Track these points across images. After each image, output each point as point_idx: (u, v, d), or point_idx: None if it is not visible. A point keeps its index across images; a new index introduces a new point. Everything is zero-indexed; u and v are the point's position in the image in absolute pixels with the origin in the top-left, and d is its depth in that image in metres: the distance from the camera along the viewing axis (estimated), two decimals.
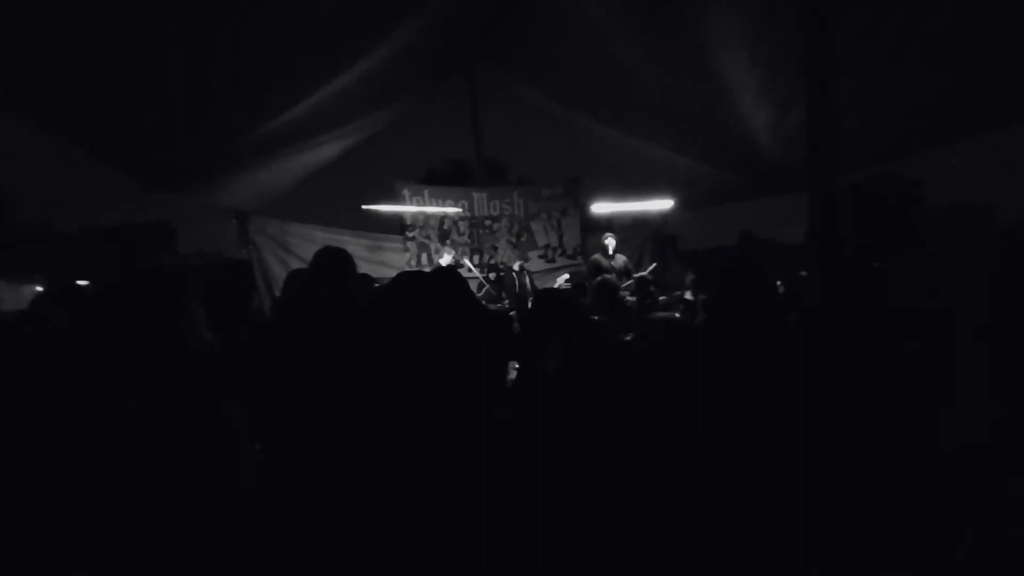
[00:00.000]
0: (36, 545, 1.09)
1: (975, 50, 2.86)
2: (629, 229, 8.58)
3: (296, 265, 6.33)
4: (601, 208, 7.90)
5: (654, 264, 6.75)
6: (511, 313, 6.03)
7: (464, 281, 1.24)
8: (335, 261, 2.02)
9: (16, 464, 1.16)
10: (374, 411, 1.01)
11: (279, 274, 6.52)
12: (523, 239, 8.28)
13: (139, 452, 1.14)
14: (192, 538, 1.10)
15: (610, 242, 6.34)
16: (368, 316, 1.19)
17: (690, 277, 6.26)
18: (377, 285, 6.36)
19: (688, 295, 5.64)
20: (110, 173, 3.98)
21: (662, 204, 7.26)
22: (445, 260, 6.83)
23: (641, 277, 5.38)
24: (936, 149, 3.79)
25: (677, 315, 4.19)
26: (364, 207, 7.32)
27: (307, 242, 7.07)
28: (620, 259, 6.35)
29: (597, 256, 6.43)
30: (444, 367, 1.05)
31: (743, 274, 1.68)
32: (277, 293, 6.00)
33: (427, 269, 6.82)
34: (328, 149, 6.64)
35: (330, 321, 1.55)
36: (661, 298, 5.46)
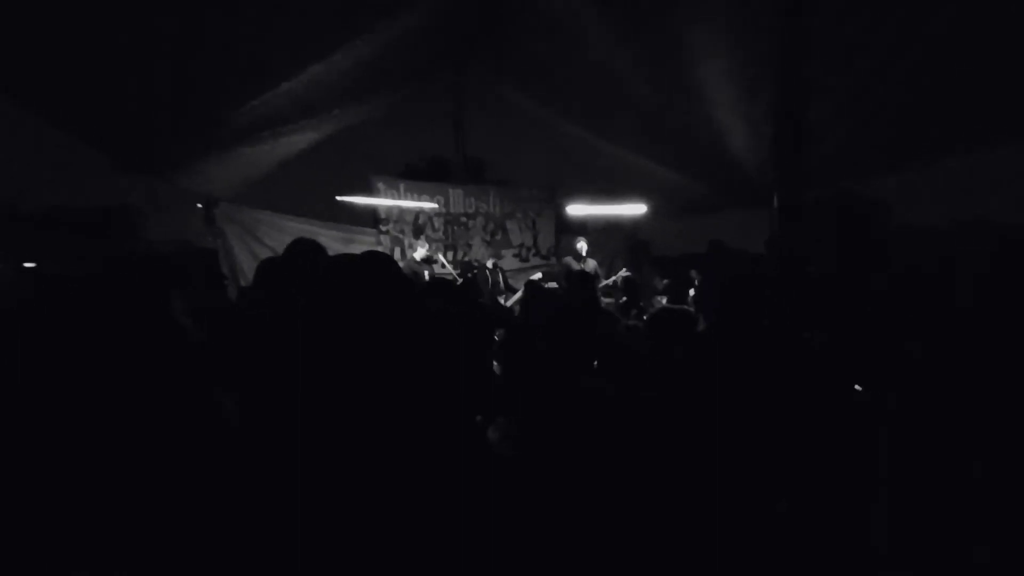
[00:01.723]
0: (33, 536, 1.05)
1: (947, 73, 3.01)
2: (603, 232, 8.71)
3: (266, 254, 6.19)
4: (576, 210, 7.99)
5: (624, 269, 6.88)
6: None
7: (395, 265, 1.26)
8: (308, 253, 2.00)
9: (13, 456, 1.12)
10: (327, 396, 1.02)
11: (247, 263, 6.36)
12: (498, 237, 8.31)
13: (137, 439, 1.12)
14: (188, 528, 1.09)
15: (582, 246, 6.44)
16: (312, 300, 1.18)
17: (664, 282, 6.41)
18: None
19: (663, 300, 5.78)
20: (81, 153, 3.81)
21: (636, 209, 7.39)
22: (420, 254, 6.79)
23: (628, 277, 5.48)
24: (902, 173, 3.99)
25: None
26: (339, 199, 7.20)
27: (278, 231, 6.90)
28: (591, 263, 6.46)
29: (568, 259, 6.53)
30: (383, 353, 1.06)
31: (745, 289, 1.74)
32: (243, 282, 5.85)
33: (401, 263, 6.77)
34: (304, 138, 6.51)
35: (300, 313, 1.54)
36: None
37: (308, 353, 1.08)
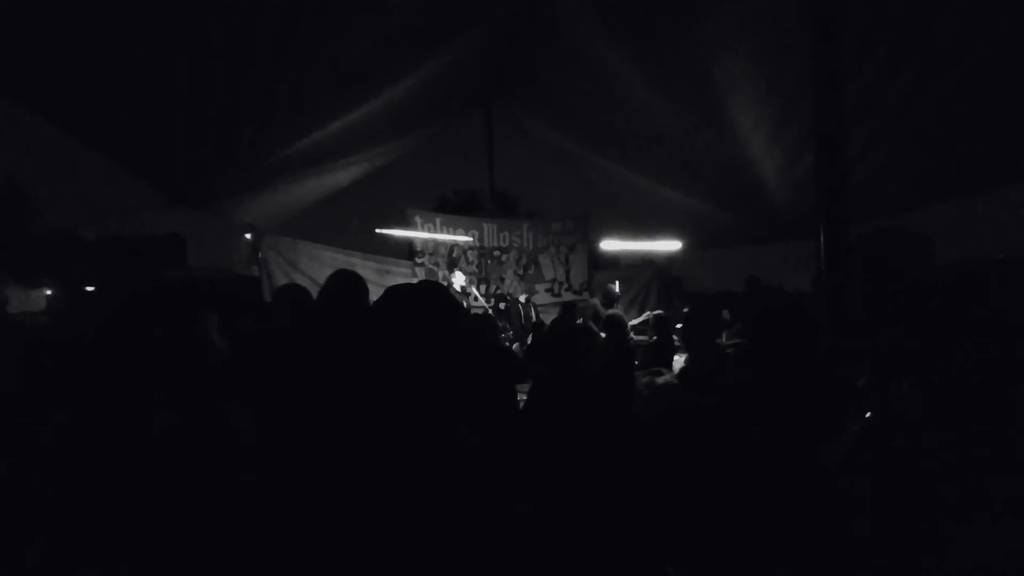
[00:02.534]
0: (46, 543, 1.08)
1: (984, 105, 2.92)
2: (634, 268, 8.63)
3: (304, 283, 6.41)
4: (609, 246, 7.97)
5: (647, 312, 6.75)
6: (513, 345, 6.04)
7: (448, 292, 1.27)
8: (347, 286, 2.05)
9: (32, 463, 1.16)
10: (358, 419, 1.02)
11: None
12: (530, 271, 8.34)
13: (157, 455, 1.14)
14: (195, 538, 1.09)
15: (616, 289, 6.40)
16: (361, 329, 1.20)
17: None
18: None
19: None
20: (135, 185, 4.08)
21: (669, 245, 7.31)
22: (458, 283, 6.87)
23: (660, 315, 5.39)
24: (947, 203, 3.83)
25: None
26: (378, 231, 7.42)
27: (317, 262, 7.15)
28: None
29: (596, 300, 6.50)
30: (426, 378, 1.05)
31: (779, 326, 1.69)
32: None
33: None
34: (345, 174, 6.80)
35: (338, 339, 1.57)
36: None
37: (348, 375, 1.09)
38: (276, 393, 1.29)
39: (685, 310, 5.83)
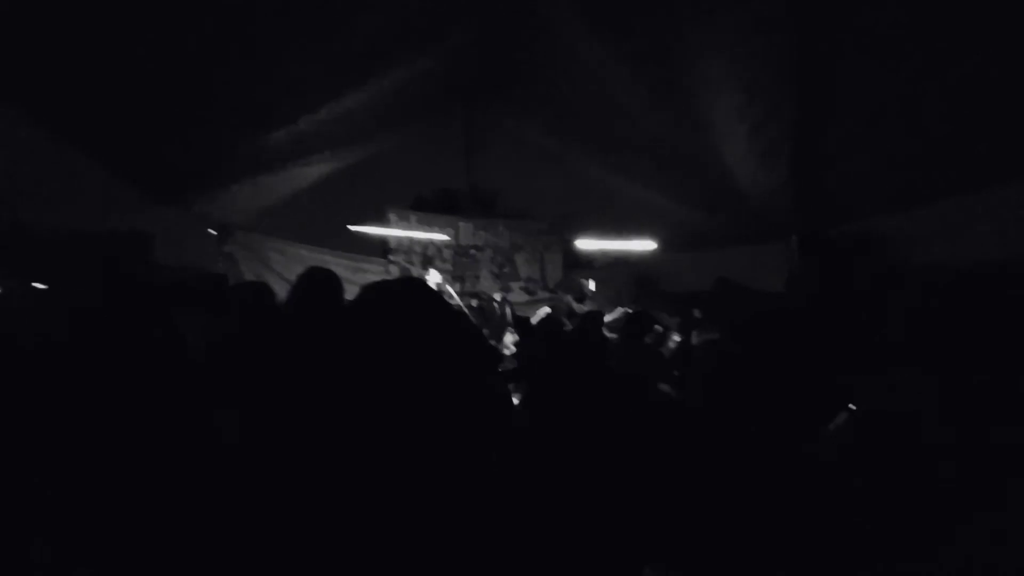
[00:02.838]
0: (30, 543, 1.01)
1: (958, 114, 3.01)
2: (609, 268, 8.70)
3: (272, 280, 6.21)
4: (585, 245, 8.01)
5: (622, 309, 6.81)
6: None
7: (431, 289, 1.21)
8: (320, 284, 1.97)
9: (11, 467, 1.08)
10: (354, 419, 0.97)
11: None
12: (506, 270, 8.31)
13: (135, 457, 1.07)
14: (179, 543, 1.03)
15: (590, 285, 6.43)
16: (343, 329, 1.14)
17: (674, 319, 6.34)
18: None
19: (676, 337, 5.67)
20: (97, 174, 3.87)
21: (644, 244, 7.39)
22: (433, 281, 6.79)
23: (640, 312, 5.43)
24: (916, 208, 3.96)
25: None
26: (352, 228, 7.27)
27: (288, 259, 6.96)
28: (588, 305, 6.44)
29: (569, 297, 6.53)
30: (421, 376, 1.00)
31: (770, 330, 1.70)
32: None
33: None
34: (317, 169, 6.62)
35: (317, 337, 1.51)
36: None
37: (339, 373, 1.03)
38: (262, 395, 1.23)
39: (696, 313, 5.91)
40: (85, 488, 1.06)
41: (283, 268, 6.72)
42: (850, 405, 1.79)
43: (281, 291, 3.03)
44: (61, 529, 1.05)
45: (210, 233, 6.23)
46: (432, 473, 0.91)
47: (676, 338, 5.55)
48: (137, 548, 1.03)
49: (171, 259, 5.01)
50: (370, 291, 1.09)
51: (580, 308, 6.26)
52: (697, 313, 6.50)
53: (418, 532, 0.88)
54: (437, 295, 1.15)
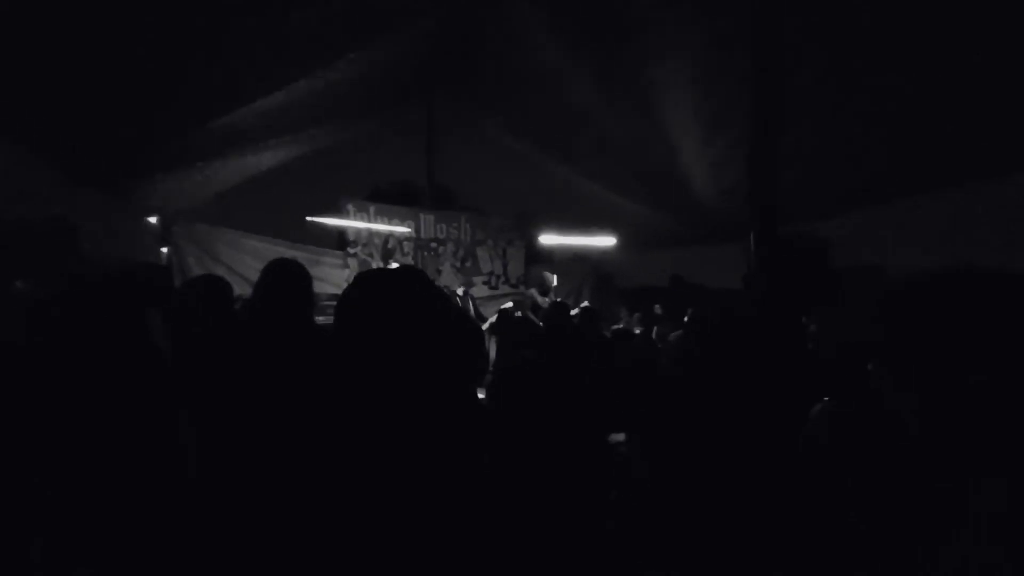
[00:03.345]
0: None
1: (908, 116, 3.20)
2: (570, 263, 8.81)
3: (222, 272, 5.90)
4: (546, 240, 8.06)
5: (586, 303, 6.93)
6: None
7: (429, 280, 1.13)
8: (289, 275, 1.86)
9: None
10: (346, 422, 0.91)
11: None
12: (468, 264, 8.26)
13: (104, 461, 0.99)
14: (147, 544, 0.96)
15: (551, 279, 6.47)
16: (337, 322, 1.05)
17: (636, 315, 6.50)
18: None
19: (636, 331, 5.82)
20: (24, 159, 3.54)
21: (605, 241, 7.51)
22: None
23: (588, 308, 5.50)
24: (849, 212, 4.21)
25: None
26: (309, 219, 7.01)
27: (238, 250, 6.63)
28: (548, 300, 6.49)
29: (532, 291, 6.55)
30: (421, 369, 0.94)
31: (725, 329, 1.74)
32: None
33: None
34: (271, 157, 6.34)
35: (289, 336, 1.43)
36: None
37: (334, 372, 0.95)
38: (233, 397, 1.15)
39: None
40: (74, 486, 0.98)
41: (233, 261, 6.40)
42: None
43: (236, 286, 2.87)
44: (59, 529, 0.96)
45: (149, 222, 5.84)
46: (430, 473, 0.88)
47: (636, 331, 5.68)
48: (131, 549, 0.96)
49: (102, 250, 4.65)
50: (369, 281, 1.00)
51: (544, 302, 6.29)
52: (658, 309, 6.70)
53: (416, 534, 0.85)
54: (438, 288, 1.07)
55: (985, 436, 0.59)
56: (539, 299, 6.37)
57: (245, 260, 6.40)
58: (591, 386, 1.99)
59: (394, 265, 6.74)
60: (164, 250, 6.06)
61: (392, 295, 0.94)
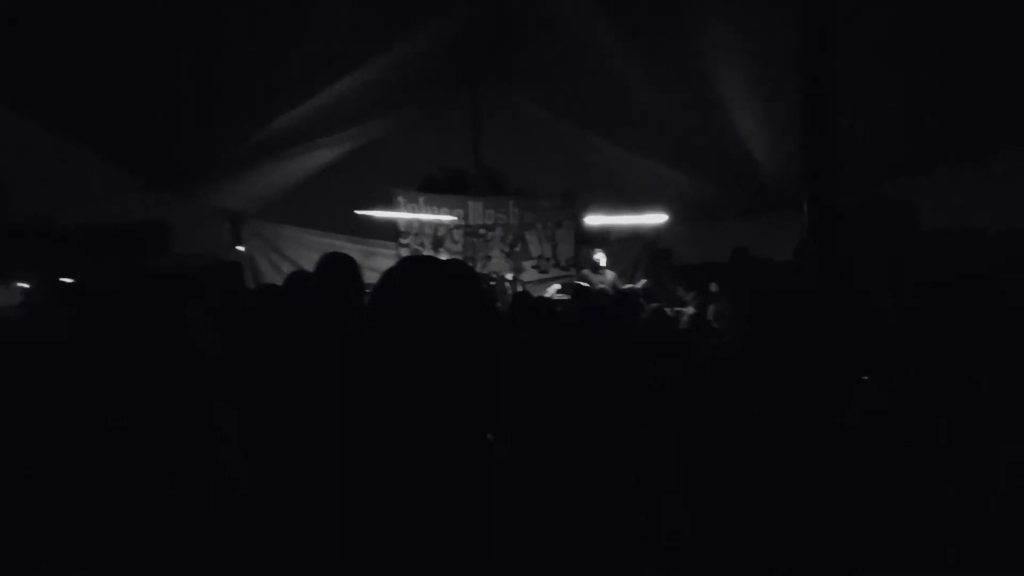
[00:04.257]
0: (29, 543, 1.05)
1: (967, 77, 2.92)
2: (623, 243, 8.62)
3: (287, 268, 6.29)
4: (596, 221, 7.93)
5: (644, 280, 6.77)
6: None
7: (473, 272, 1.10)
8: (340, 267, 1.96)
9: (13, 463, 1.13)
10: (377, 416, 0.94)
11: (270, 275, 6.47)
12: (517, 249, 8.28)
13: (133, 457, 1.11)
14: (178, 540, 1.07)
15: (599, 257, 6.37)
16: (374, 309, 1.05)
17: (691, 294, 6.27)
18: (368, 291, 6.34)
19: (690, 310, 5.63)
20: (111, 171, 3.94)
21: (657, 218, 7.30)
22: None
23: (629, 290, 5.39)
24: (931, 173, 3.85)
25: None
26: (358, 212, 7.30)
27: (300, 246, 7.03)
28: (610, 275, 6.39)
29: (586, 271, 6.48)
30: (455, 370, 0.94)
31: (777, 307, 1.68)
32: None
33: None
34: (326, 154, 6.63)
35: (335, 328, 1.52)
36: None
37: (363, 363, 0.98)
38: (279, 390, 1.24)
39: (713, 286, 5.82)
40: (78, 486, 1.09)
41: (298, 256, 6.79)
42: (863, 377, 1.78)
43: None
44: (62, 530, 1.07)
45: (225, 224, 6.33)
46: (441, 470, 0.90)
47: (690, 311, 5.50)
48: (136, 549, 1.05)
49: (187, 249, 5.10)
50: (414, 267, 1.00)
51: (598, 281, 6.22)
52: (713, 287, 6.42)
53: (428, 529, 0.88)
54: (479, 283, 1.05)
55: None
56: (593, 279, 6.31)
57: (309, 255, 6.78)
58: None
59: (442, 253, 6.88)
60: (241, 248, 6.55)
61: (429, 288, 0.93)
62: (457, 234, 8.00)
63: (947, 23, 2.80)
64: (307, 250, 6.88)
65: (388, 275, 0.97)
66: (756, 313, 1.90)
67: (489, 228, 8.17)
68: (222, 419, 1.19)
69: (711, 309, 5.74)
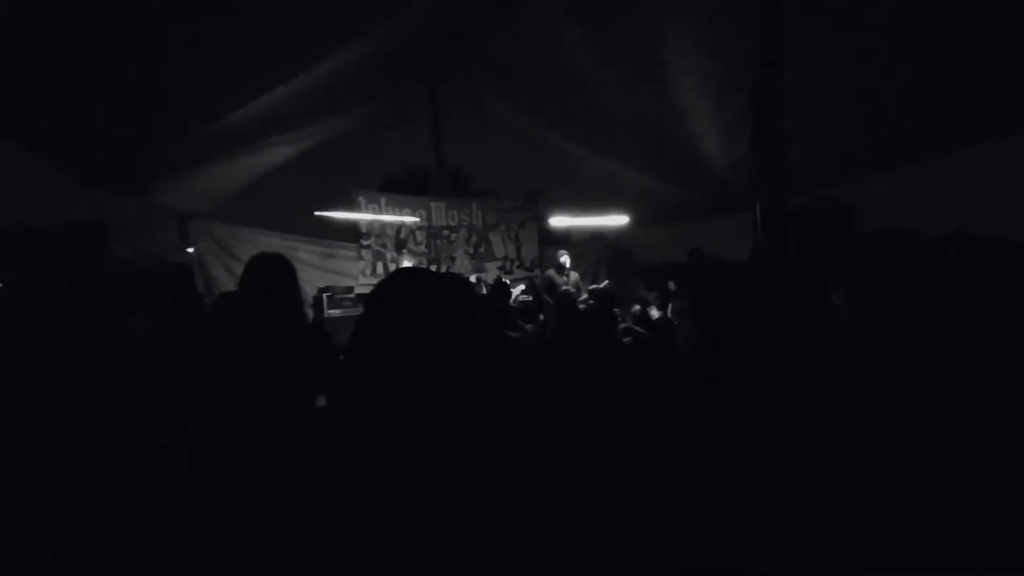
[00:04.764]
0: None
1: (924, 73, 3.06)
2: (586, 243, 8.73)
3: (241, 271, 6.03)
4: (559, 222, 8.00)
5: (607, 281, 6.88)
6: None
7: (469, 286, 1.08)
8: (277, 269, 1.84)
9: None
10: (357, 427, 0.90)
11: (224, 280, 6.20)
12: (481, 250, 8.26)
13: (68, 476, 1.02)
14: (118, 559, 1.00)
15: (565, 259, 6.44)
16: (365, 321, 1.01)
17: (652, 294, 6.42)
18: (328, 294, 6.17)
19: (653, 311, 5.74)
20: (42, 168, 3.66)
21: (618, 220, 7.42)
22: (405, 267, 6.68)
23: (603, 289, 5.45)
24: (873, 176, 4.06)
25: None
26: (317, 213, 7.09)
27: (255, 247, 6.75)
28: (573, 276, 6.47)
29: (551, 272, 6.53)
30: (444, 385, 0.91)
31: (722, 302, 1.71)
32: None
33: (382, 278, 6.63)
34: (281, 152, 6.40)
35: (284, 334, 1.44)
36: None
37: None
38: (223, 396, 1.17)
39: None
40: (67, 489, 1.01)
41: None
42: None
43: None
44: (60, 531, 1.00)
45: (172, 224, 6.01)
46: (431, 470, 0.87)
47: (655, 313, 5.62)
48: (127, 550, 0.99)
49: (131, 250, 4.82)
50: (411, 281, 0.96)
51: (563, 281, 6.27)
52: (672, 285, 6.60)
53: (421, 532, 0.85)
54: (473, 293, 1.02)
55: None
56: (557, 279, 6.35)
57: None
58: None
59: (405, 264, 6.75)
60: (190, 251, 6.23)
61: (430, 304, 0.90)
62: (420, 235, 7.91)
63: (896, 29, 2.93)
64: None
65: (382, 286, 0.95)
66: (703, 308, 1.94)
67: (453, 229, 8.11)
68: (167, 441, 1.11)
69: (670, 307, 5.88)
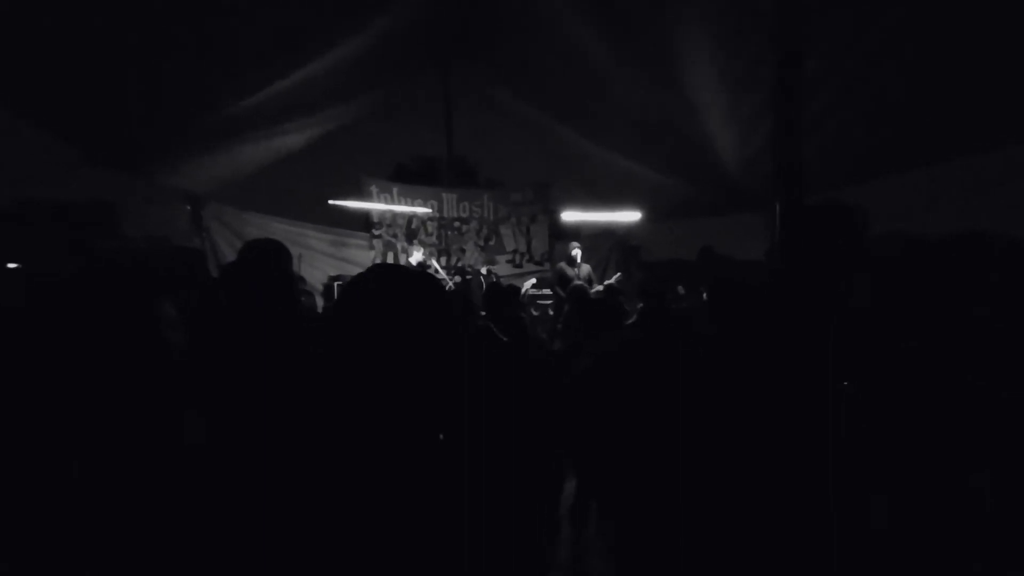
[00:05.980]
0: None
1: (939, 75, 3.02)
2: (596, 238, 8.69)
3: None
4: (570, 216, 7.97)
5: (618, 274, 6.85)
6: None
7: (441, 286, 1.15)
8: (267, 255, 1.74)
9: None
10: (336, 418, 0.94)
11: None
12: (491, 243, 8.25)
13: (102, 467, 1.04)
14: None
15: (576, 252, 6.41)
16: (337, 312, 1.07)
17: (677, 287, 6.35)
18: (340, 283, 6.18)
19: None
20: (49, 142, 3.68)
21: (629, 215, 7.38)
22: (415, 259, 6.69)
23: (610, 285, 5.44)
24: (883, 178, 4.01)
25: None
26: (331, 202, 7.09)
27: (267, 234, 6.79)
28: (585, 268, 6.43)
29: (562, 264, 6.51)
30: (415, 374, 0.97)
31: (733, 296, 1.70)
32: None
33: None
34: (294, 138, 6.42)
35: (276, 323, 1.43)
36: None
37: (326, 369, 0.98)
38: (228, 389, 1.17)
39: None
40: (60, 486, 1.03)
41: None
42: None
43: None
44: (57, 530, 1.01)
45: (185, 207, 6.02)
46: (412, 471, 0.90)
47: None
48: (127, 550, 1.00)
49: (139, 231, 4.80)
50: (382, 278, 1.01)
51: (574, 273, 6.25)
52: (681, 289, 6.53)
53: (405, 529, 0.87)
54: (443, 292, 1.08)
55: None
56: (569, 272, 6.33)
57: None
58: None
59: (416, 255, 6.72)
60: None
61: (399, 302, 0.95)
62: (431, 226, 7.91)
63: (911, 30, 2.89)
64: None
65: (356, 280, 1.01)
66: (714, 303, 1.93)
67: (464, 221, 8.10)
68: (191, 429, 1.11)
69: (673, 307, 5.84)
